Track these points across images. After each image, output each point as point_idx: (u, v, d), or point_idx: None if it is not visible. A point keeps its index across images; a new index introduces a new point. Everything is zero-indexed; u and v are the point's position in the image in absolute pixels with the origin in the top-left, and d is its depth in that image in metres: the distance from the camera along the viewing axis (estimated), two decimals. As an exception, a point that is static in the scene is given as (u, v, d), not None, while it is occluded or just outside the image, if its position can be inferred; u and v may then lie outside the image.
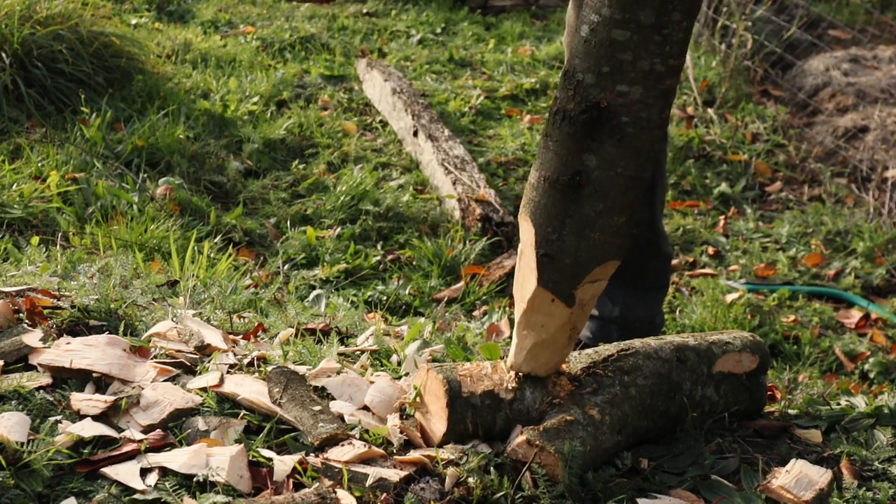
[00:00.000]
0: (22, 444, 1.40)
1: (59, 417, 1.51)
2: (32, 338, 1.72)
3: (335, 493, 1.37)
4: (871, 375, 2.97)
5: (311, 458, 1.47)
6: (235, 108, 4.42)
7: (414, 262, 3.39)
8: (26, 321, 1.83)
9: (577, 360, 1.64)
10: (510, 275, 3.36)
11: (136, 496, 1.35)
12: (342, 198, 3.70)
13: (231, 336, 1.95)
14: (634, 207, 1.44)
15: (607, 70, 1.35)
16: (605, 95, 1.36)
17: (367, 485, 1.40)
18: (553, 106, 1.42)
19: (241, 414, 1.58)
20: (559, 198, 1.43)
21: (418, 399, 1.60)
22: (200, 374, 1.71)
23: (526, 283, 1.51)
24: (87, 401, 1.55)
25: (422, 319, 2.66)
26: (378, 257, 3.38)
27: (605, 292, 2.55)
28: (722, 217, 4.00)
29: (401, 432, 1.57)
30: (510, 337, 2.67)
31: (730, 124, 4.74)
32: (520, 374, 1.58)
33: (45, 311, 1.88)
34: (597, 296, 1.54)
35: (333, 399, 1.68)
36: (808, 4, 5.69)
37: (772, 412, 1.82)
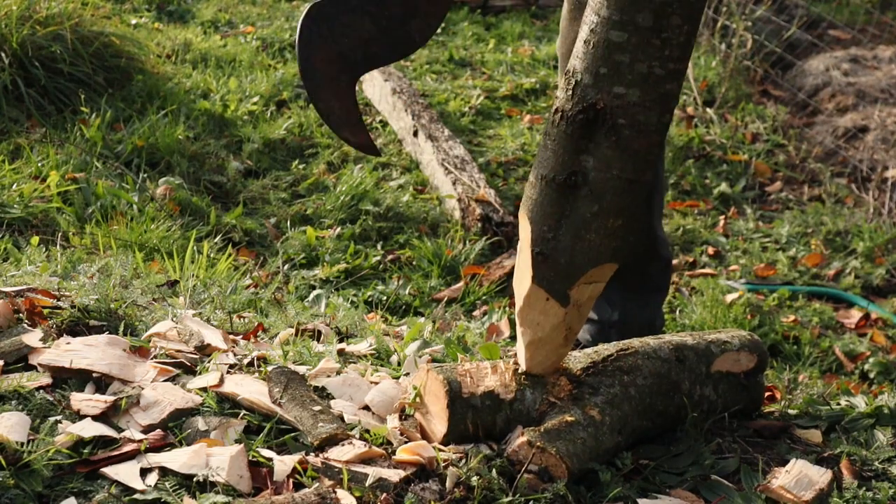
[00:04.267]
0: (22, 444, 1.40)
1: (59, 417, 1.51)
2: (32, 338, 1.72)
3: (335, 493, 1.37)
4: (871, 375, 2.97)
5: (311, 458, 1.47)
6: (235, 108, 4.41)
7: (414, 262, 3.39)
8: (26, 321, 1.83)
9: (577, 361, 1.64)
10: (510, 275, 3.36)
11: (136, 496, 1.35)
12: (342, 198, 3.70)
13: (231, 336, 1.95)
14: (632, 211, 1.44)
15: (605, 71, 1.35)
16: (602, 97, 1.36)
17: (367, 485, 1.40)
18: (553, 105, 1.42)
19: (241, 414, 1.58)
20: (556, 197, 1.43)
21: (418, 400, 1.60)
22: (200, 374, 1.71)
23: (523, 279, 1.51)
24: (87, 401, 1.55)
25: (422, 319, 2.66)
26: (378, 257, 3.38)
27: (604, 296, 2.56)
28: (722, 217, 4.00)
29: (401, 434, 1.57)
30: (510, 337, 2.68)
31: (730, 124, 4.74)
32: (519, 372, 1.58)
33: (45, 311, 1.88)
34: (594, 298, 1.54)
35: (333, 399, 1.68)
36: (808, 4, 5.69)
37: (772, 412, 1.82)
